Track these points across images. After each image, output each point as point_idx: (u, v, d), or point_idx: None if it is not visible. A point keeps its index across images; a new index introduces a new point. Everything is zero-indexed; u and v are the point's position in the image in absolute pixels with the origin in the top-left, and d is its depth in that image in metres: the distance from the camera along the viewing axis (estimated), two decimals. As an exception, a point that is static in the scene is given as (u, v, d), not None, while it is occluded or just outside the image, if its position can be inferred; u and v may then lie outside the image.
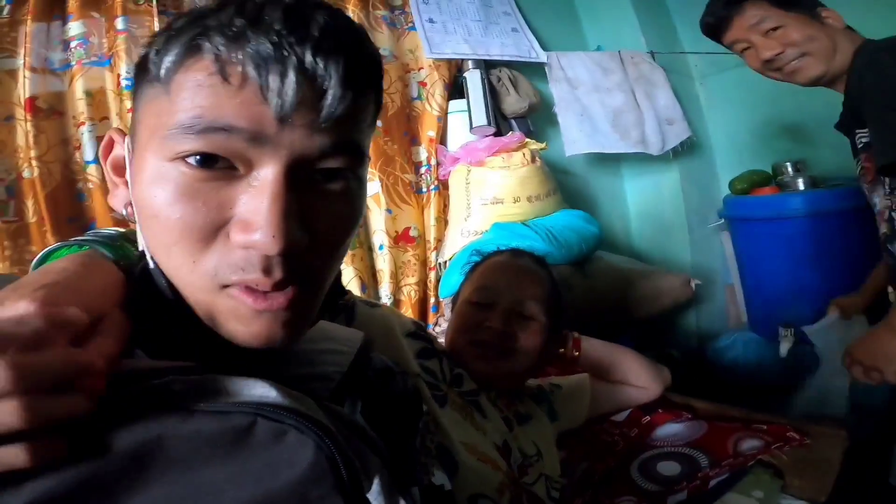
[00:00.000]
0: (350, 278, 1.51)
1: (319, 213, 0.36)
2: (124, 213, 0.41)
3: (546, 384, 0.98)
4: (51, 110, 1.24)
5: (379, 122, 1.57)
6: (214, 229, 0.34)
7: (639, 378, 1.05)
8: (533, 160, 1.52)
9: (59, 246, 0.44)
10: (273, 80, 0.33)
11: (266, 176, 0.34)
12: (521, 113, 1.75)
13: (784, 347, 1.52)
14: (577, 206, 1.82)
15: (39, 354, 0.29)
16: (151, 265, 0.38)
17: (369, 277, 1.58)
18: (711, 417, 1.01)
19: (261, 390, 0.34)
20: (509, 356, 0.85)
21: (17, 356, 0.28)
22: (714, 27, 1.08)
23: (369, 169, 1.56)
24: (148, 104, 0.36)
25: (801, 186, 1.77)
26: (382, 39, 1.67)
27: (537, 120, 1.88)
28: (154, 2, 1.32)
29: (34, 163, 1.20)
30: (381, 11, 1.69)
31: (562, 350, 0.98)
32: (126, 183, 0.40)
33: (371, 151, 1.64)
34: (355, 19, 1.63)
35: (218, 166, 0.34)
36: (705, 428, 0.94)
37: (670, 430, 0.97)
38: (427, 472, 0.52)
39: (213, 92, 0.33)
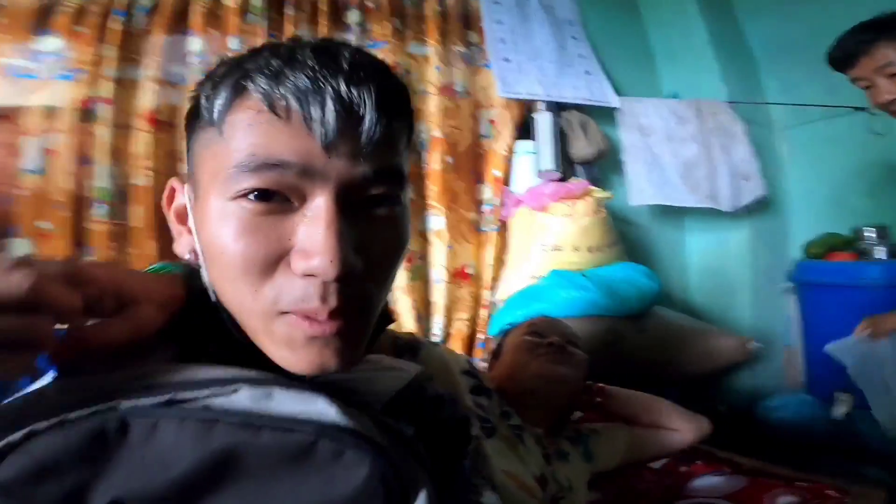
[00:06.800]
0: (407, 309, 1.74)
1: (371, 240, 0.42)
2: (188, 257, 0.48)
3: (584, 428, 1.16)
4: (166, 123, 1.55)
5: (450, 159, 1.83)
6: (275, 260, 0.41)
7: (670, 419, 1.18)
8: (597, 210, 1.70)
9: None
10: (315, 111, 0.39)
11: (319, 205, 0.40)
12: (588, 159, 1.94)
13: (839, 410, 1.64)
14: (635, 256, 1.97)
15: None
16: (214, 298, 0.45)
17: (424, 310, 1.81)
18: (754, 473, 1.14)
19: (321, 406, 0.39)
20: (569, 363, 1.07)
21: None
22: (841, 61, 1.14)
23: (435, 204, 1.81)
24: (205, 148, 0.44)
25: (882, 255, 1.87)
26: (458, 75, 1.93)
27: (603, 164, 2.06)
28: (266, 24, 1.64)
29: (147, 172, 1.51)
30: (459, 47, 1.96)
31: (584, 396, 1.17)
32: (189, 230, 0.47)
33: (439, 187, 1.88)
34: (434, 54, 1.98)
35: (274, 200, 0.41)
36: (744, 483, 1.08)
37: (708, 482, 1.12)
38: (477, 493, 0.59)
39: (263, 130, 0.40)
